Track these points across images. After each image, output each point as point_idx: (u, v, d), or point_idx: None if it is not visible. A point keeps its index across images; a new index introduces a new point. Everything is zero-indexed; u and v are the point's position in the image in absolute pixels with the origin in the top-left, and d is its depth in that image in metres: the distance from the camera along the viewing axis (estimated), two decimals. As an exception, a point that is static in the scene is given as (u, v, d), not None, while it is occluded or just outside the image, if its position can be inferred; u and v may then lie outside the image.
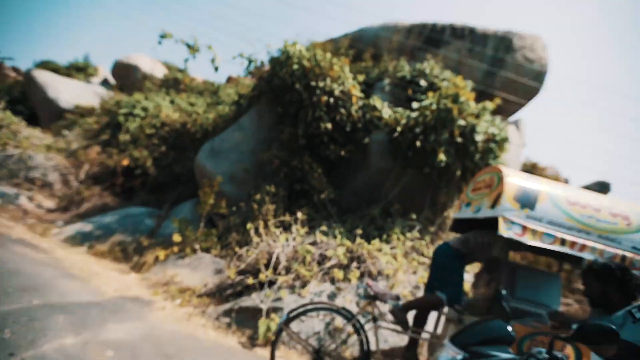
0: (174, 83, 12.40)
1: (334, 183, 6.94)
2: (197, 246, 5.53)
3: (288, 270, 4.71)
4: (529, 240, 2.51)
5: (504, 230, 2.52)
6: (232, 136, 7.63)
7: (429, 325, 3.18)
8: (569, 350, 2.55)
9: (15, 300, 3.21)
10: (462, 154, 6.25)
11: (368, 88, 8.02)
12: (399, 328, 2.77)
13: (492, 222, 2.69)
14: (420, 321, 2.89)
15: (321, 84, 6.80)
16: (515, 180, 2.71)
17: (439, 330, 3.08)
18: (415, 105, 6.89)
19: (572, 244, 2.49)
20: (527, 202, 2.60)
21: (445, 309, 3.04)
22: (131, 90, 12.16)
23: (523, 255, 5.75)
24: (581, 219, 2.58)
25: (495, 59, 8.72)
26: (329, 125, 6.82)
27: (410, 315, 2.89)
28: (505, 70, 8.59)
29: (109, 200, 7.75)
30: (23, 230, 6.06)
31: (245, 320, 3.99)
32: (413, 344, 2.87)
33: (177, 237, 5.50)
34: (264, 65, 8.31)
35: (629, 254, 2.48)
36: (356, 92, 7.10)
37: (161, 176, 8.08)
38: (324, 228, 5.48)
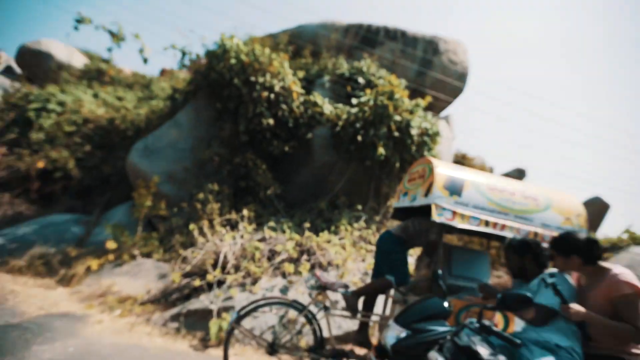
0: (97, 75, 11.15)
1: (280, 178, 6.96)
2: (136, 252, 5.16)
3: (237, 268, 4.65)
4: (459, 224, 2.79)
5: (436, 216, 2.76)
6: (167, 133, 7.20)
7: (378, 309, 3.41)
8: (499, 317, 2.91)
9: None
10: (400, 147, 6.69)
11: (308, 84, 8.13)
12: (349, 314, 2.92)
13: (427, 210, 2.92)
14: (369, 305, 3.07)
15: (261, 80, 6.73)
16: (443, 171, 2.96)
17: (387, 312, 3.30)
18: (354, 101, 7.18)
19: (494, 225, 2.83)
20: (455, 189, 2.87)
21: (392, 292, 3.28)
22: (43, 81, 10.66)
23: (459, 237, 6.38)
24: (500, 202, 2.92)
25: (425, 60, 9.46)
26: (271, 121, 6.79)
27: (360, 301, 3.06)
28: (433, 71, 9.39)
29: (22, 209, 6.78)
30: None
31: (195, 323, 3.86)
32: (364, 327, 3.03)
33: (111, 244, 5.07)
34: (200, 58, 7.94)
35: (540, 230, 2.88)
36: (297, 88, 7.16)
37: (87, 179, 7.29)
38: (272, 224, 5.49)
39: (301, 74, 7.87)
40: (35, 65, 12.09)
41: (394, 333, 1.81)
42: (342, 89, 8.05)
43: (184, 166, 6.80)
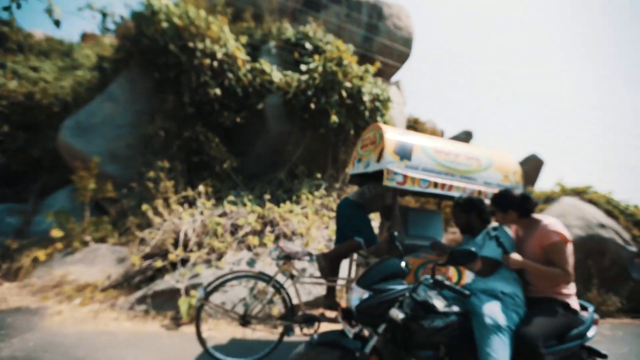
0: (-3, 41, 9.52)
1: (235, 151, 6.79)
2: (87, 238, 4.87)
3: (200, 245, 4.63)
4: (410, 187, 2.92)
5: (388, 181, 2.85)
6: (101, 108, 6.55)
7: (344, 273, 3.63)
8: (453, 271, 3.18)
9: None
10: (353, 114, 6.77)
11: (254, 51, 7.74)
12: (315, 280, 3.04)
13: (381, 175, 3.00)
14: (334, 270, 3.26)
15: (200, 46, 6.25)
16: (393, 136, 3.01)
17: (352, 275, 3.52)
18: (303, 68, 7.03)
19: (443, 186, 3.01)
20: (404, 154, 2.95)
21: (355, 256, 3.51)
22: None
23: (417, 199, 6.78)
24: (446, 164, 3.09)
25: (370, 25, 9.41)
26: (218, 91, 6.46)
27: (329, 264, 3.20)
28: (379, 37, 9.40)
29: None
30: None
31: (163, 303, 3.86)
32: (331, 291, 3.17)
33: (57, 232, 4.70)
34: (126, 21, 7.07)
35: (483, 188, 3.13)
36: (241, 54, 6.80)
37: (14, 163, 6.50)
38: (231, 198, 5.44)
39: (244, 39, 7.42)
40: None
41: (357, 295, 1.88)
42: (290, 55, 7.79)
43: (126, 143, 6.31)
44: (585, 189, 6.96)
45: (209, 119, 6.65)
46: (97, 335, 3.25)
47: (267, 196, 5.59)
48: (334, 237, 4.91)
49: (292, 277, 2.96)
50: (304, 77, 6.79)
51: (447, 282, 1.80)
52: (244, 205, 5.35)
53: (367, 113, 6.84)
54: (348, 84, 6.63)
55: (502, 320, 1.88)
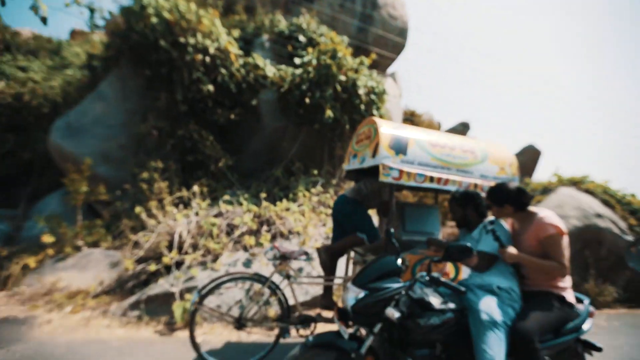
0: (-18, 40, 9.30)
1: (230, 149, 6.67)
2: (80, 242, 4.78)
3: (195, 247, 4.54)
4: (406, 182, 2.86)
5: (383, 177, 2.78)
6: (92, 108, 6.42)
7: (341, 272, 3.55)
8: (450, 267, 3.14)
9: None
10: (349, 108, 6.64)
11: (246, 45, 7.58)
12: (311, 280, 2.98)
13: (377, 170, 2.92)
14: (331, 269, 3.19)
15: (192, 41, 6.09)
16: (388, 130, 2.94)
17: (350, 274, 3.45)
18: (297, 61, 6.88)
19: (438, 180, 2.95)
20: (400, 148, 2.88)
21: (352, 254, 3.43)
22: None
23: (414, 193, 6.67)
24: (442, 158, 3.01)
25: (364, 15, 9.22)
26: (211, 88, 6.32)
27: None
28: (374, 27, 9.21)
29: None
30: None
31: (157, 308, 3.78)
32: (328, 290, 3.13)
33: (48, 238, 4.60)
34: (115, 17, 6.90)
35: (479, 181, 3.07)
36: (234, 49, 6.65)
37: (3, 167, 6.38)
38: (227, 197, 5.33)
39: (236, 33, 7.25)
40: None
41: (353, 294, 1.86)
42: (283, 49, 7.63)
43: (118, 144, 6.20)
44: (582, 178, 6.90)
45: (203, 116, 6.53)
46: (88, 343, 3.17)
47: (264, 194, 5.48)
48: (331, 235, 4.85)
49: (288, 277, 2.91)
50: (298, 71, 6.65)
51: (443, 279, 1.77)
52: (240, 204, 5.25)
53: (362, 107, 6.71)
54: (343, 77, 6.49)
55: (498, 316, 1.86)
